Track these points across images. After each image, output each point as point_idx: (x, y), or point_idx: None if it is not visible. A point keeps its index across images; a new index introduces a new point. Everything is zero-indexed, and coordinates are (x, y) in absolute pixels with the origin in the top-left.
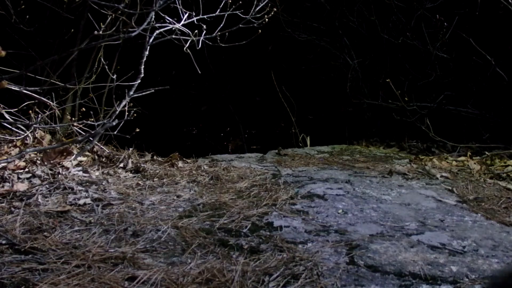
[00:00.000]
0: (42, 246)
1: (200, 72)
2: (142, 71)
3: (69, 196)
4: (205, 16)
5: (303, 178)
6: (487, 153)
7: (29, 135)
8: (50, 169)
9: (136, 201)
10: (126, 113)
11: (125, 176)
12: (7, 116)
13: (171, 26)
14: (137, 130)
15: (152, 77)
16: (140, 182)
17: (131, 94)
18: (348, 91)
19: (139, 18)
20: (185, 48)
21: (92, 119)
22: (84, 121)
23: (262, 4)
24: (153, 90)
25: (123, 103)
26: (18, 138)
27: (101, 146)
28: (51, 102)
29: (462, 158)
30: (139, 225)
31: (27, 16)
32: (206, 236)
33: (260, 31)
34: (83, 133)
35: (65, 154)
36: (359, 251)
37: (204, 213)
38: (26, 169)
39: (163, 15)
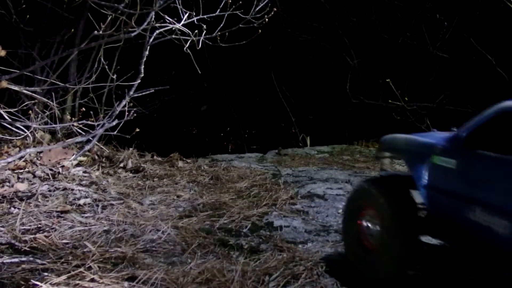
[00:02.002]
0: (42, 246)
1: (200, 72)
2: (142, 71)
3: (69, 196)
4: (205, 16)
5: (303, 178)
6: None
7: (29, 135)
8: (50, 169)
9: (136, 201)
10: (126, 113)
11: (125, 176)
12: (6, 116)
13: (171, 26)
14: (137, 130)
15: (152, 77)
16: (140, 182)
17: (131, 94)
18: (348, 91)
19: (139, 18)
20: (185, 48)
21: (92, 119)
22: (84, 121)
23: (262, 4)
24: (153, 90)
25: (123, 103)
26: (18, 138)
27: (101, 146)
28: (51, 102)
29: None
30: (139, 225)
31: (27, 16)
32: (206, 236)
33: (260, 31)
34: (83, 133)
35: (65, 154)
36: None
37: (204, 213)
38: (26, 169)
39: (163, 15)
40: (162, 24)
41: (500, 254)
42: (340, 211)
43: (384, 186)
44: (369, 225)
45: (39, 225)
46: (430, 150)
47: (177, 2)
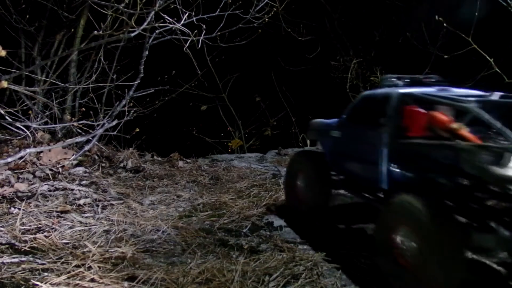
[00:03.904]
0: (42, 246)
1: (200, 72)
2: (142, 71)
3: (69, 196)
4: (205, 16)
5: None
6: None
7: (29, 135)
8: (50, 169)
9: (136, 201)
10: (126, 113)
11: (125, 176)
12: (7, 116)
13: (171, 26)
14: (137, 130)
15: (152, 77)
16: (140, 182)
17: (131, 94)
18: (348, 91)
19: (139, 18)
20: (185, 48)
21: (92, 119)
22: (84, 121)
23: (262, 4)
24: (153, 90)
25: (123, 103)
26: (18, 138)
27: (101, 146)
28: (51, 102)
29: None
30: (139, 225)
31: (27, 16)
32: (206, 236)
33: (260, 31)
34: (83, 133)
35: (65, 154)
36: (359, 251)
37: (204, 213)
38: (26, 169)
39: (163, 15)
40: (162, 24)
41: (363, 187)
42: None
43: (309, 157)
44: (301, 183)
45: (39, 225)
46: (330, 127)
47: (177, 2)
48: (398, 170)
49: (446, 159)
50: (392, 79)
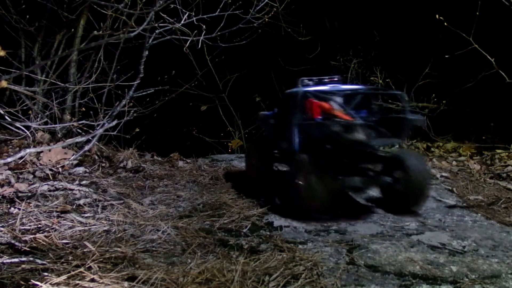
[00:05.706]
0: (42, 246)
1: (200, 72)
2: (142, 71)
3: (69, 196)
4: (205, 16)
5: None
6: (487, 153)
7: (29, 135)
8: (50, 169)
9: (136, 201)
10: (126, 113)
11: (125, 176)
12: (7, 116)
13: (171, 26)
14: (137, 130)
15: (152, 77)
16: (140, 182)
17: (131, 94)
18: None
19: (139, 18)
20: (185, 48)
21: (92, 119)
22: (84, 121)
23: (262, 4)
24: (153, 90)
25: (123, 103)
26: (18, 138)
27: (101, 146)
28: (51, 102)
29: (462, 158)
30: (139, 225)
31: (27, 16)
32: (206, 236)
33: (260, 31)
34: (83, 133)
35: (65, 154)
36: (359, 251)
37: (204, 213)
38: (26, 169)
39: (163, 15)
40: (162, 24)
41: (289, 159)
42: (340, 211)
43: (258, 142)
44: (254, 161)
45: (39, 225)
46: (269, 117)
47: (177, 2)
48: (302, 141)
49: (325, 131)
50: (305, 80)
